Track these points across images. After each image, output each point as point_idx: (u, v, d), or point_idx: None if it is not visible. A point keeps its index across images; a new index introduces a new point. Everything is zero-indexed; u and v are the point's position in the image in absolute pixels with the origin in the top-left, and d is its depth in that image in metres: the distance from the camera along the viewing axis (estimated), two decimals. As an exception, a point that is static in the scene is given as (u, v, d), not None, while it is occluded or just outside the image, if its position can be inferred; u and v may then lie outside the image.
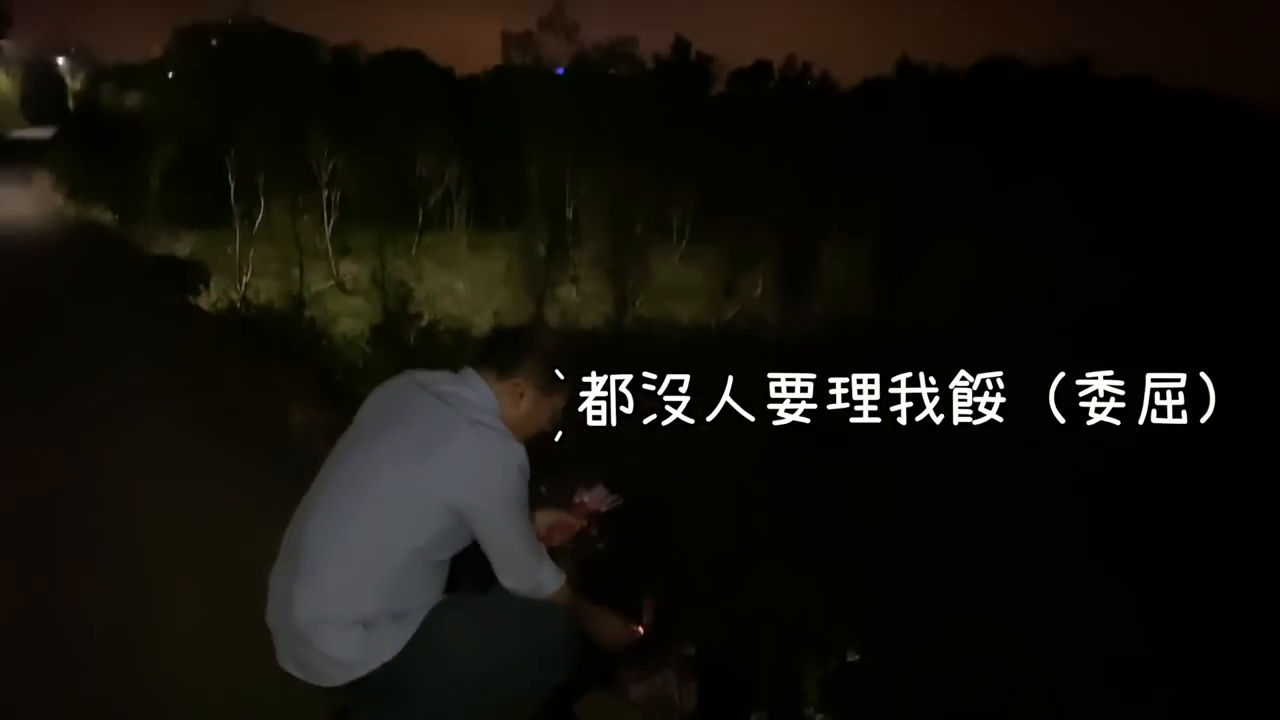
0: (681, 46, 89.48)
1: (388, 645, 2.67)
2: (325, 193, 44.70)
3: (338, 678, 2.68)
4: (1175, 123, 64.22)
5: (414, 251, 45.99)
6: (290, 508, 2.89)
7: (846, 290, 43.64)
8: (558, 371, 3.05)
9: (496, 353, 2.93)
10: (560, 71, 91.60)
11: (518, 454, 2.78)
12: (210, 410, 8.09)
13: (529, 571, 2.83)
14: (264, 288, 31.60)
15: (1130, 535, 15.17)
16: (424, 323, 19.68)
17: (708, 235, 48.81)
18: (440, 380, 2.94)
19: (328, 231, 45.32)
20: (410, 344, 16.64)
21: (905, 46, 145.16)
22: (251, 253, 42.83)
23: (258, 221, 43.82)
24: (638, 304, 41.00)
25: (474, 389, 2.84)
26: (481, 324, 32.01)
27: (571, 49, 77.88)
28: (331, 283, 41.38)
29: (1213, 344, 29.02)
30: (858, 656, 4.19)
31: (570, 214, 46.88)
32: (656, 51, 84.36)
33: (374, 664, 2.65)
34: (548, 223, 43.90)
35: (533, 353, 2.93)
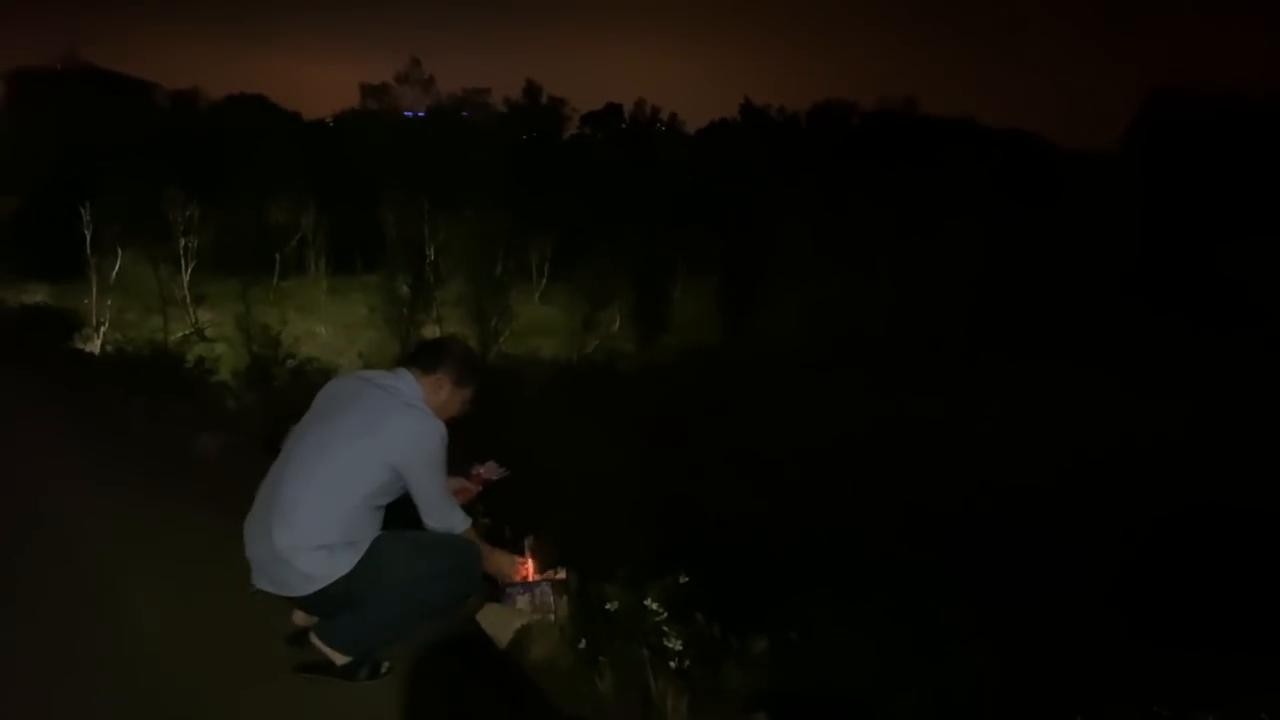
0: (533, 90, 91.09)
1: (343, 563, 3.91)
2: (182, 241, 43.76)
3: (306, 588, 3.94)
4: (995, 158, 69.74)
5: (273, 297, 45.47)
6: (202, 523, 4.24)
7: (698, 321, 45.57)
8: (467, 371, 4.43)
9: (421, 356, 4.31)
10: (410, 115, 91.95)
11: (439, 429, 4.13)
12: (112, 442, 8.65)
13: (445, 515, 4.19)
14: (122, 338, 30.86)
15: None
16: (292, 365, 19.99)
17: (565, 274, 50.06)
18: (380, 376, 4.24)
19: (185, 280, 44.28)
20: (279, 385, 17.05)
21: (748, 90, 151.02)
22: (109, 302, 41.49)
23: (114, 271, 42.52)
24: (501, 342, 41.75)
25: (405, 383, 4.16)
26: (347, 365, 32.09)
27: (428, 99, 78.44)
28: (190, 330, 40.52)
29: (1039, 352, 32.03)
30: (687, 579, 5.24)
31: (431, 256, 47.33)
32: (509, 96, 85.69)
33: (333, 577, 3.92)
34: (409, 265, 44.25)
35: (448, 357, 4.30)
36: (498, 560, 4.57)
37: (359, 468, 3.95)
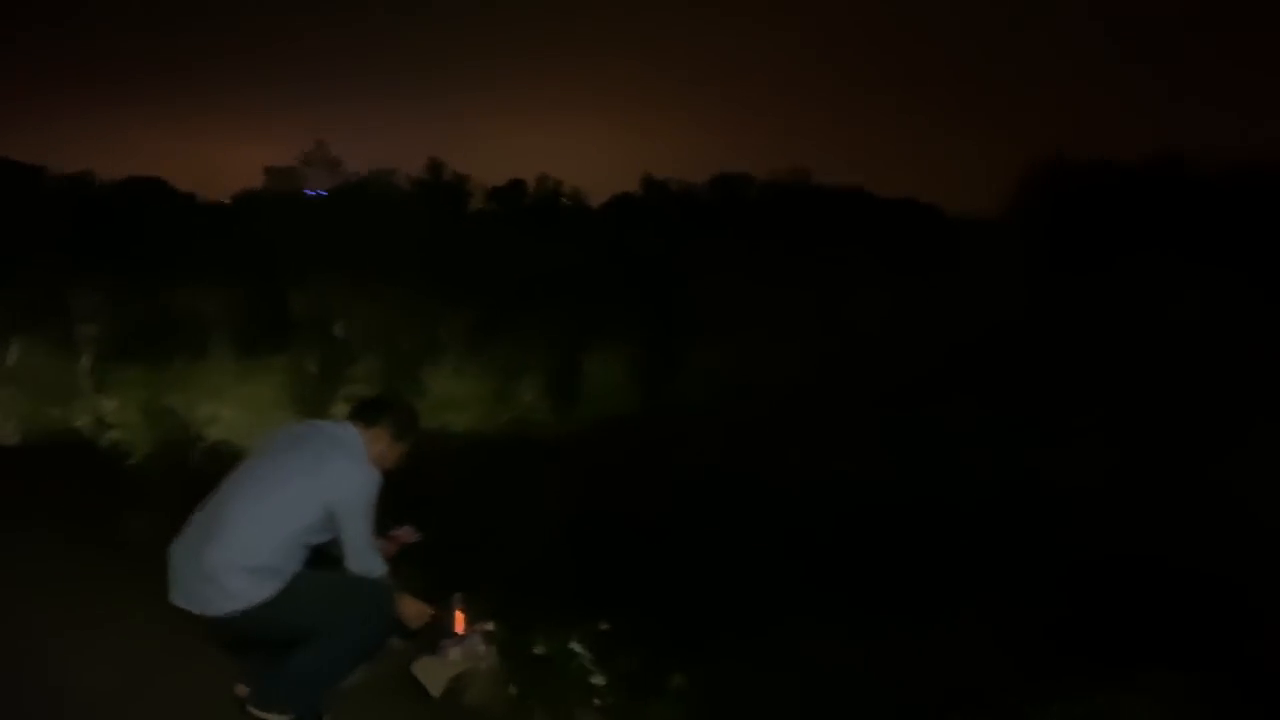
0: (436, 167, 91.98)
1: (267, 589, 4.29)
2: (82, 327, 42.40)
3: (225, 607, 4.26)
4: (886, 227, 72.82)
5: (178, 382, 44.21)
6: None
7: (611, 391, 45.98)
8: (405, 426, 4.94)
9: (364, 410, 4.79)
10: (310, 193, 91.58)
11: (376, 479, 4.61)
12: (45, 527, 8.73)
13: (369, 560, 4.67)
14: (27, 428, 29.71)
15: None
16: (203, 446, 19.74)
17: (478, 348, 50.14)
18: (326, 426, 4.71)
19: (86, 367, 42.79)
20: (193, 466, 16.91)
21: (648, 164, 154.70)
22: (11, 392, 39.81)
23: (9, 361, 40.83)
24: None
25: (349, 433, 4.62)
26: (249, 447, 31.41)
27: (334, 179, 78.56)
28: (92, 418, 39.05)
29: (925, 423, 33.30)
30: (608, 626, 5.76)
31: (340, 334, 46.90)
32: (411, 174, 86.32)
33: (255, 601, 4.29)
34: (316, 344, 43.71)
35: (389, 412, 4.82)
36: (410, 607, 5.16)
37: (298, 503, 4.35)
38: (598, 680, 5.45)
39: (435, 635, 5.79)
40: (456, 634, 5.75)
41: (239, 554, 4.22)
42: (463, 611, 5.81)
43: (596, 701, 5.48)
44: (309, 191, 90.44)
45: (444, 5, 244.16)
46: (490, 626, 5.85)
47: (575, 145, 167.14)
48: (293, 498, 4.33)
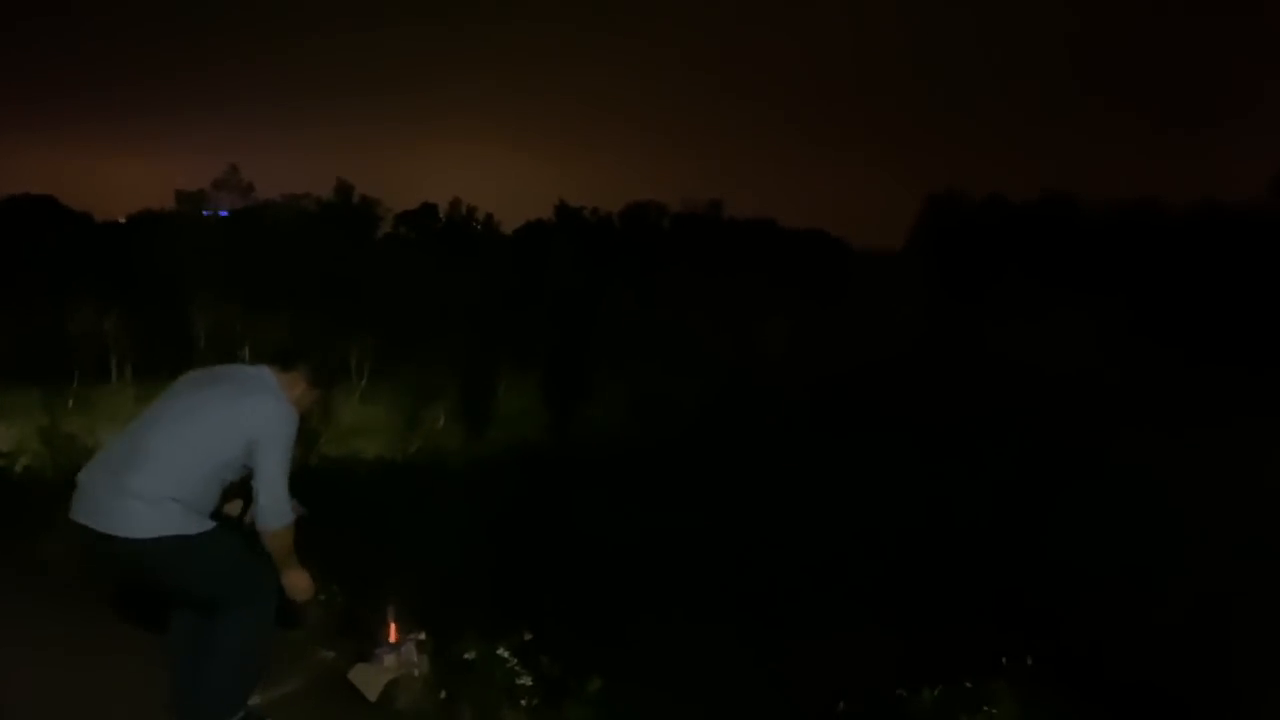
0: (344, 189, 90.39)
1: (180, 523, 4.04)
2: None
3: (137, 531, 4.00)
4: (793, 257, 74.67)
5: (74, 406, 42.89)
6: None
7: (521, 415, 46.32)
8: (323, 372, 4.93)
9: (280, 355, 4.78)
10: (208, 214, 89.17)
11: (294, 416, 4.50)
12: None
13: (279, 494, 4.24)
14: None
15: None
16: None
17: (387, 373, 49.79)
18: (244, 368, 4.74)
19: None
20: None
21: (562, 192, 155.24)
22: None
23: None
24: (321, 443, 40.94)
25: (266, 374, 4.66)
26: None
27: (236, 199, 76.89)
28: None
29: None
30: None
31: (245, 357, 46.10)
32: (321, 195, 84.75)
33: (166, 531, 4.03)
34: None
35: (306, 357, 4.80)
36: (298, 578, 4.63)
37: (219, 435, 4.10)
38: (523, 681, 5.84)
39: (370, 644, 6.11)
40: (390, 642, 6.09)
41: (162, 482, 4.05)
42: (395, 622, 6.16)
43: (521, 703, 5.87)
44: (208, 212, 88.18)
45: (359, 28, 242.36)
46: (421, 636, 6.19)
47: (489, 170, 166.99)
48: (215, 429, 4.21)
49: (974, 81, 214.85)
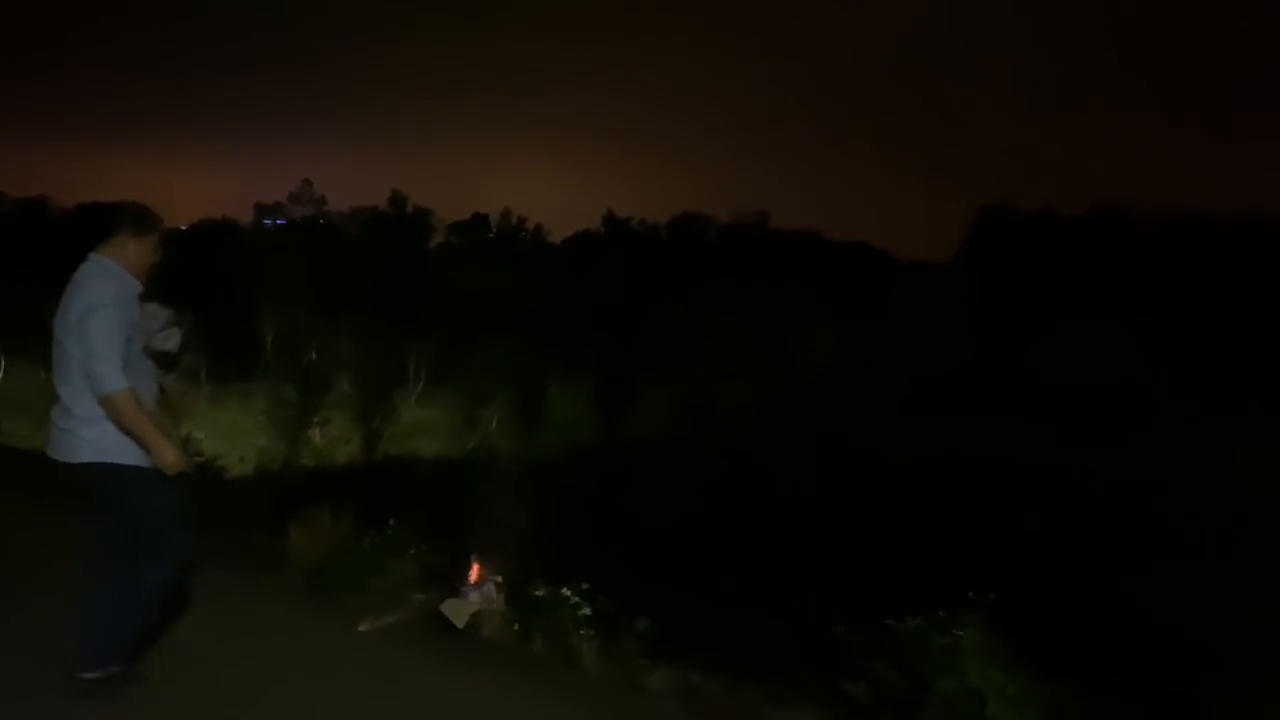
0: (398, 200, 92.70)
1: (110, 448, 4.32)
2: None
3: (77, 456, 4.36)
4: (840, 268, 75.09)
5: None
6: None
7: (572, 419, 47.74)
8: (140, 222, 4.71)
9: (100, 235, 4.69)
10: (267, 223, 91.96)
11: (119, 286, 4.46)
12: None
13: (107, 358, 4.25)
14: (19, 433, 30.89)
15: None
16: (199, 459, 20.96)
17: (444, 377, 51.51)
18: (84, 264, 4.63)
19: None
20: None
21: (610, 202, 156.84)
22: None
23: None
24: (384, 442, 42.80)
25: (94, 259, 4.56)
26: (229, 468, 32.62)
27: (298, 209, 79.63)
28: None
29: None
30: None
31: (311, 362, 48.05)
32: (376, 206, 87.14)
33: (99, 458, 4.34)
34: (290, 371, 45.02)
35: (119, 218, 4.69)
36: (161, 448, 4.51)
37: (74, 331, 4.37)
38: (584, 613, 7.14)
39: (457, 583, 7.48)
40: (473, 582, 7.45)
41: (80, 396, 4.37)
42: (478, 565, 7.52)
43: (582, 632, 7.18)
44: (267, 221, 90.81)
45: (413, 43, 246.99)
46: (499, 578, 7.55)
47: (540, 181, 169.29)
48: (70, 330, 4.41)
49: (1023, 93, 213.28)
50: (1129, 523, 18.96)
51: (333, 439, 44.16)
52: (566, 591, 7.58)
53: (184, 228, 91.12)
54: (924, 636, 6.23)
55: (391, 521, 9.46)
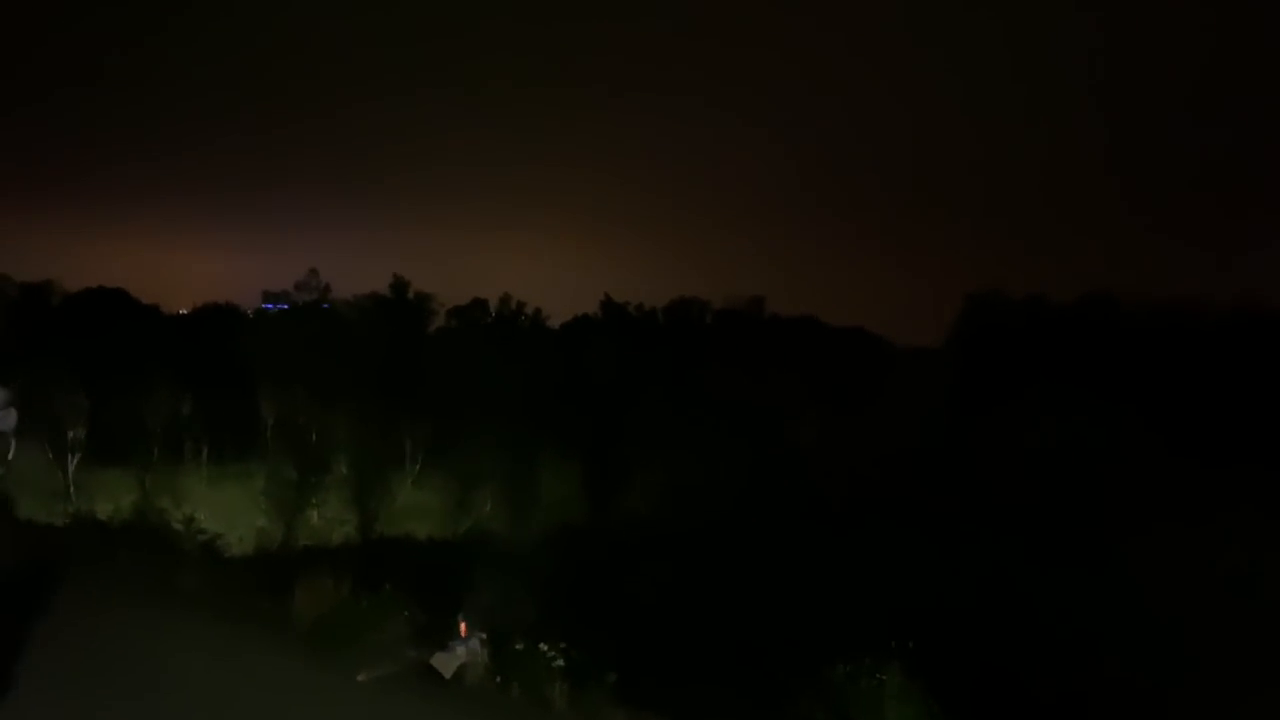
0: (399, 285, 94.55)
1: None
2: (70, 433, 44.80)
3: None
4: (837, 353, 76.43)
5: (149, 485, 45.86)
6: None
7: (562, 500, 48.40)
8: None
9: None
10: (269, 306, 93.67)
11: None
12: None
13: None
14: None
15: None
16: (203, 539, 21.75)
17: (439, 459, 52.26)
18: None
19: (71, 467, 45.23)
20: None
21: (608, 287, 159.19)
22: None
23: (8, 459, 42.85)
24: (380, 523, 43.41)
25: None
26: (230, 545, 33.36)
27: (303, 294, 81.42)
28: (70, 520, 40.74)
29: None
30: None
31: (310, 444, 48.85)
32: (376, 291, 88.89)
33: None
34: (290, 453, 45.86)
35: None
36: None
37: None
38: (559, 664, 8.06)
39: (446, 639, 8.41)
40: (461, 637, 8.37)
41: None
42: (464, 623, 8.45)
43: (556, 684, 8.09)
44: (270, 305, 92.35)
45: (413, 126, 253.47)
46: (484, 635, 8.48)
47: (540, 262, 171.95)
48: None
49: (1016, 183, 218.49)
50: (1072, 596, 19.95)
51: (330, 520, 44.58)
52: (543, 646, 8.51)
53: (185, 311, 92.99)
54: (853, 681, 7.15)
55: (387, 586, 10.50)
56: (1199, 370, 61.53)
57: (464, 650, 8.45)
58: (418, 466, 54.75)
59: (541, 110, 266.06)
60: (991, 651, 14.56)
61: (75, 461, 45.88)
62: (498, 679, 8.46)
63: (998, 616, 17.95)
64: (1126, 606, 19.17)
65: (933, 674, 7.43)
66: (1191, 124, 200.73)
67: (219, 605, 11.04)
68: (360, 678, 8.14)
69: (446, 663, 8.36)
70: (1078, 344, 71.46)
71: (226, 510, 45.03)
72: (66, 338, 59.02)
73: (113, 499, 42.24)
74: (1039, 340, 75.68)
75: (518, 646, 8.42)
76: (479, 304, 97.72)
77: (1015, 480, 38.07)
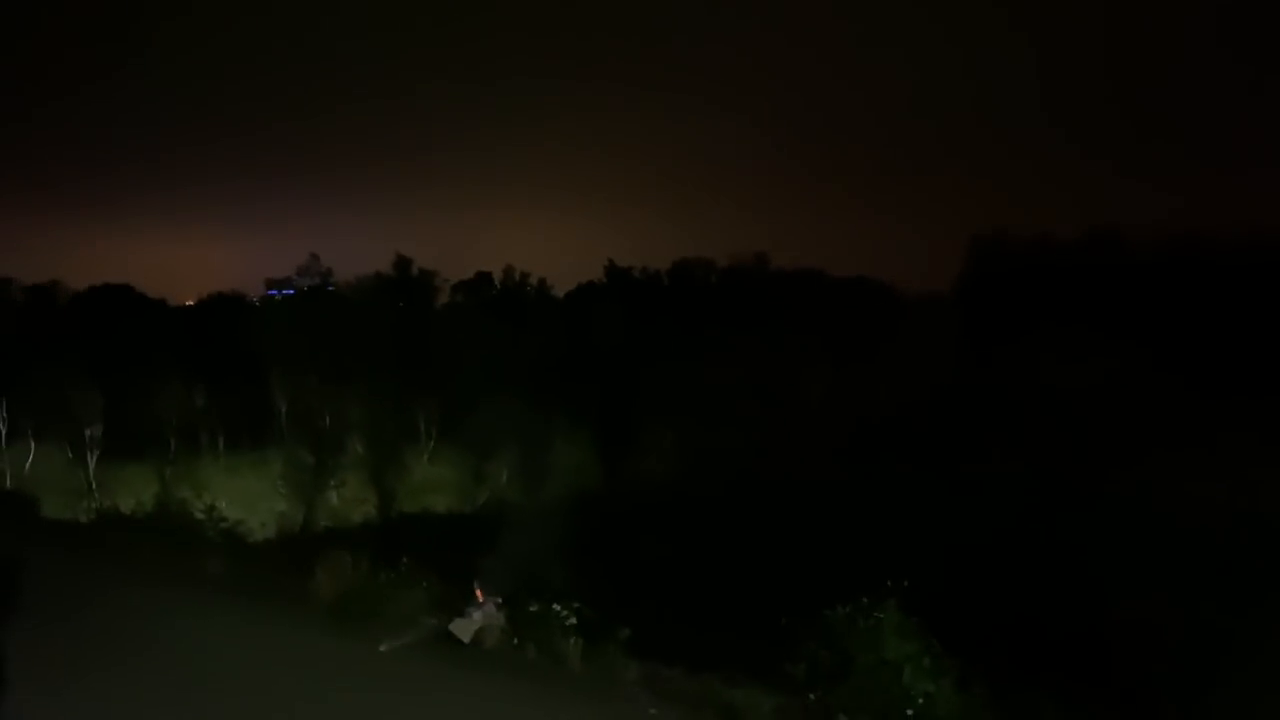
0: (403, 263, 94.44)
1: None
2: (87, 431, 45.52)
3: None
4: (840, 305, 76.24)
5: (168, 477, 46.57)
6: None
7: (576, 467, 48.85)
8: None
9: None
10: (274, 294, 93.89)
11: None
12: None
13: None
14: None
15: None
16: (224, 526, 22.12)
17: (452, 434, 52.74)
18: None
19: (91, 465, 45.99)
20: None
21: (611, 252, 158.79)
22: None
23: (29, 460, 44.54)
24: (398, 500, 44.00)
25: None
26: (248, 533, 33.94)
27: (301, 279, 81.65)
28: (95, 515, 41.55)
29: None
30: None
31: (324, 426, 49.34)
32: (380, 271, 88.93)
33: None
34: (302, 438, 46.40)
35: None
36: None
37: None
38: (571, 622, 8.38)
39: (463, 605, 8.73)
40: (478, 603, 8.69)
41: None
42: (480, 589, 8.77)
43: (570, 641, 8.41)
44: (274, 293, 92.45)
45: (411, 99, 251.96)
46: (500, 599, 8.80)
47: (542, 234, 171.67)
48: None
49: (1019, 120, 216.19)
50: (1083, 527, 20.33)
51: (349, 500, 45.37)
52: (556, 606, 8.83)
53: (191, 303, 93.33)
54: (851, 620, 7.43)
55: (405, 560, 10.85)
56: (1206, 303, 61.30)
57: (481, 615, 8.78)
58: (432, 442, 55.25)
59: (536, 83, 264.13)
60: (1000, 589, 14.92)
61: (95, 459, 46.65)
62: (514, 641, 8.80)
63: (1007, 555, 18.31)
64: (1135, 543, 19.51)
65: (933, 611, 7.70)
66: (1198, 51, 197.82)
67: (245, 588, 11.49)
68: (383, 648, 8.48)
69: (465, 628, 8.69)
70: (1084, 281, 71.15)
71: (246, 497, 45.65)
72: (76, 337, 59.45)
73: (134, 493, 42.77)
74: (1045, 279, 75.33)
75: (532, 608, 8.75)
76: (483, 277, 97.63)
77: (1025, 420, 38.32)
